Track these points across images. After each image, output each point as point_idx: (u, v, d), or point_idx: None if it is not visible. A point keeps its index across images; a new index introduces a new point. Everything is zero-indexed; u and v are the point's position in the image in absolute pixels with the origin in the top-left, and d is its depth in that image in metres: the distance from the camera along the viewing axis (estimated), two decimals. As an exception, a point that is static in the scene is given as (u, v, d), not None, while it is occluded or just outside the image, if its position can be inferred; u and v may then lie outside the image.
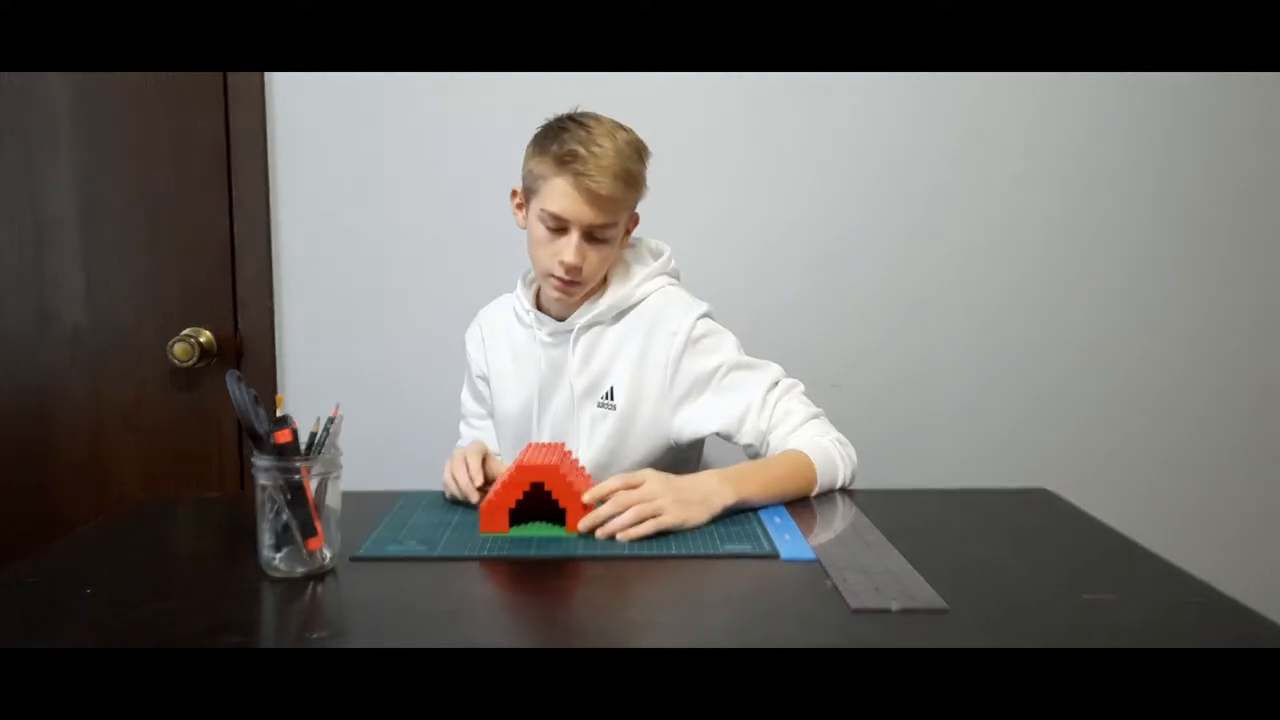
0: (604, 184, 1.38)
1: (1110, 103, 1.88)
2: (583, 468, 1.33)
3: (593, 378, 1.51)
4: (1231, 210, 1.90)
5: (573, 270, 1.43)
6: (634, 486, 1.21)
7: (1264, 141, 1.89)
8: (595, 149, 1.39)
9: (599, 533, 1.18)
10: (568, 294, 1.47)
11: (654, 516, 1.18)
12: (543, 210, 1.42)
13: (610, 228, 1.44)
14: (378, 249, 1.91)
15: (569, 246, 1.41)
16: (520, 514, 1.22)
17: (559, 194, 1.40)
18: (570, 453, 1.30)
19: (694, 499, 1.22)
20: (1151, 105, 1.88)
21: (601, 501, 1.20)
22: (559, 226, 1.42)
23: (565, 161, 1.39)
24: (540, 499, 1.21)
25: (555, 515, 1.21)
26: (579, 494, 1.20)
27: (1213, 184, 1.90)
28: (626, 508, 1.18)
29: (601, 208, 1.41)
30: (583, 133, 1.41)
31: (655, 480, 1.22)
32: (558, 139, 1.41)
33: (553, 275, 1.45)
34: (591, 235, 1.43)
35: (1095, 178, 1.89)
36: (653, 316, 1.49)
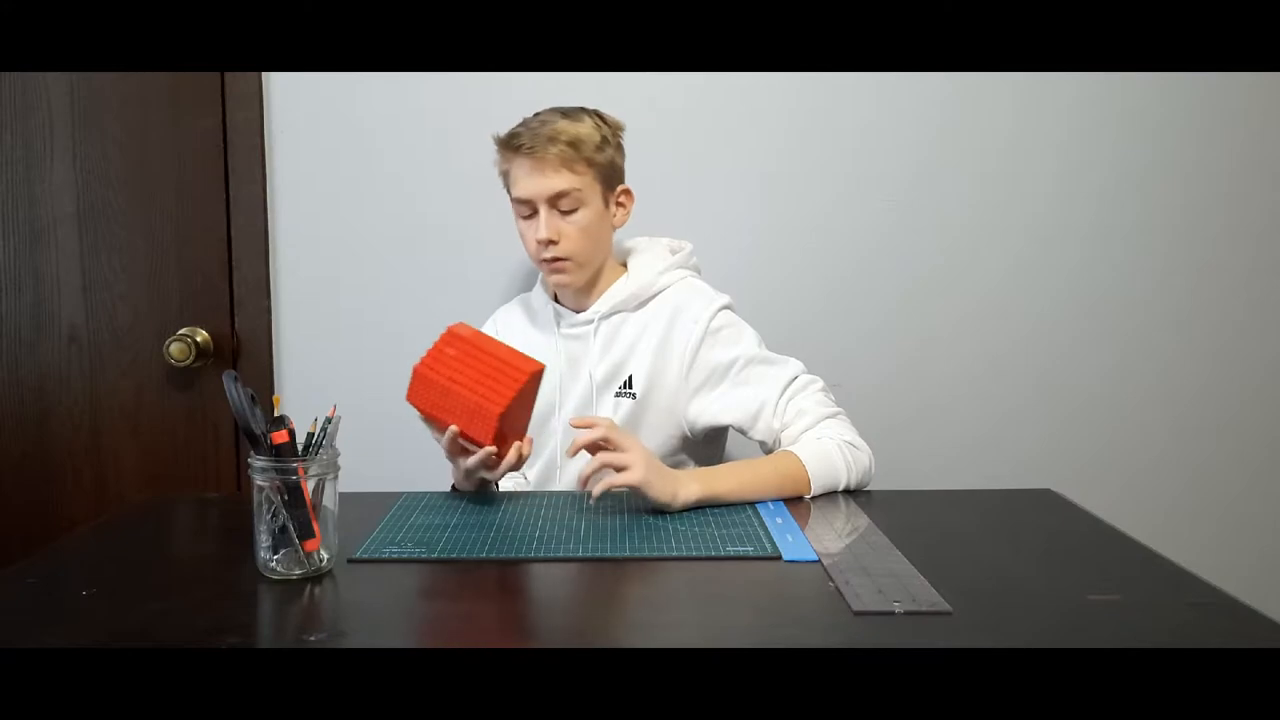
0: (539, 148, 1.44)
1: (1140, 115, 1.87)
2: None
3: (612, 367, 1.52)
4: (1245, 211, 1.89)
5: (550, 245, 1.47)
6: (615, 445, 1.26)
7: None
8: (536, 124, 1.47)
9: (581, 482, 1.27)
10: (562, 275, 1.50)
11: (622, 469, 1.24)
12: (513, 200, 1.50)
13: (570, 195, 1.46)
14: (375, 249, 1.90)
15: (540, 224, 1.47)
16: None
17: (517, 177, 1.48)
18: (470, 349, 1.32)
19: (662, 475, 1.27)
20: (1183, 116, 1.87)
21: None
22: (530, 212, 1.49)
23: (512, 146, 1.47)
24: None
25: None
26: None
27: (1238, 195, 1.89)
28: (604, 464, 1.25)
29: (549, 175, 1.45)
30: (532, 118, 1.49)
31: (637, 450, 1.26)
32: (500, 137, 1.50)
33: (541, 260, 1.50)
34: (557, 207, 1.47)
35: (1103, 178, 1.88)
36: (674, 305, 1.52)
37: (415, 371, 1.31)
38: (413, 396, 1.31)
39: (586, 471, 1.26)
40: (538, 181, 1.45)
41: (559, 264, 1.48)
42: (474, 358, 1.29)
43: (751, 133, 1.87)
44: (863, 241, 1.89)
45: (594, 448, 1.27)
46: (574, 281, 1.51)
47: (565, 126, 1.46)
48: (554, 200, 1.46)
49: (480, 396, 1.26)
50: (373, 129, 1.88)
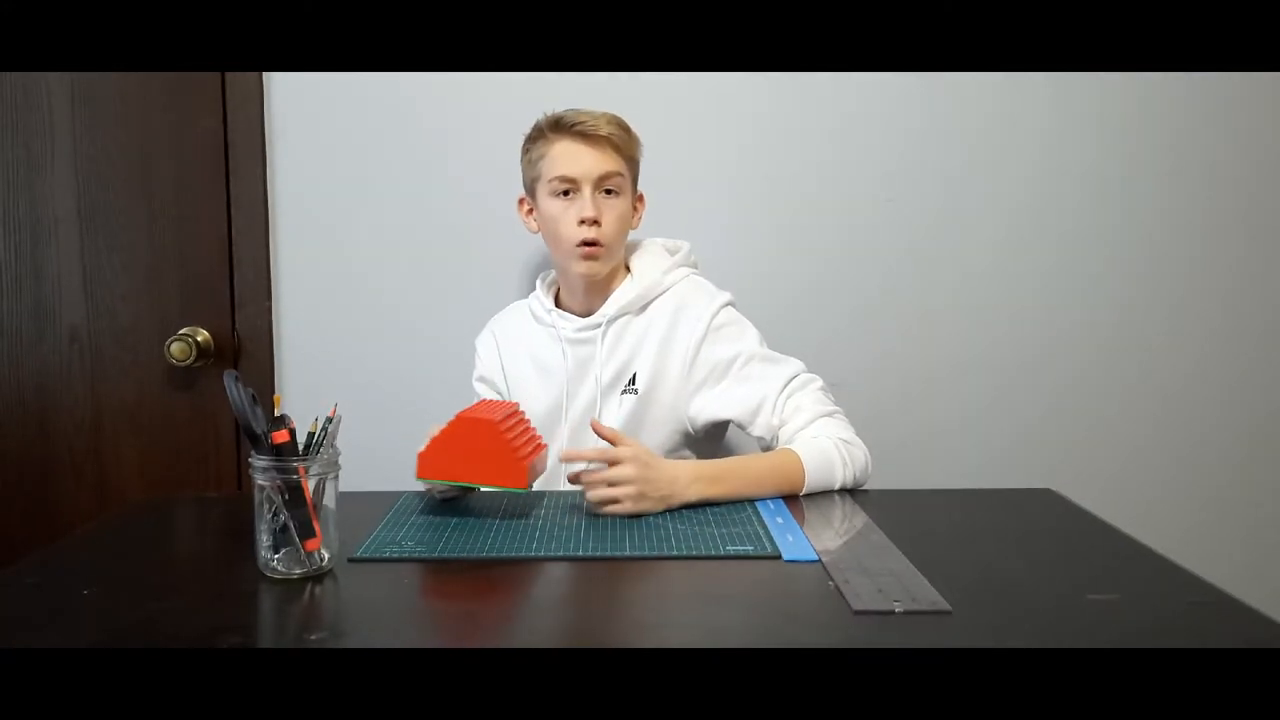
0: (600, 126, 1.47)
1: (1122, 104, 1.87)
2: (533, 429, 1.33)
3: (618, 368, 1.53)
4: (1242, 213, 1.89)
5: (593, 224, 1.47)
6: (613, 463, 1.26)
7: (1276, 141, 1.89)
8: (582, 112, 1.49)
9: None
10: (594, 261, 1.49)
11: (612, 501, 1.25)
12: (551, 180, 1.49)
13: (617, 177, 1.49)
14: (376, 249, 1.90)
15: (585, 202, 1.47)
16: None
17: (561, 156, 1.49)
18: (520, 412, 1.33)
19: (656, 494, 1.27)
20: (1164, 106, 1.87)
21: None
22: (569, 188, 1.49)
23: (559, 127, 1.49)
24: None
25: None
26: (517, 451, 1.22)
27: (1222, 186, 1.89)
28: (592, 484, 1.26)
29: (603, 152, 1.48)
30: (565, 110, 1.51)
31: (630, 466, 1.25)
32: (546, 120, 1.52)
33: (578, 244, 1.48)
34: (601, 188, 1.49)
35: (1105, 181, 1.88)
36: (677, 303, 1.53)
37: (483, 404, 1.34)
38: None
39: (588, 495, 1.28)
40: (591, 159, 1.47)
41: (595, 249, 1.48)
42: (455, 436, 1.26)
43: (759, 132, 1.87)
44: (870, 241, 1.89)
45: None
46: (600, 270, 1.51)
47: (611, 115, 1.50)
48: (600, 181, 1.48)
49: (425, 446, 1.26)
50: (373, 129, 1.88)
